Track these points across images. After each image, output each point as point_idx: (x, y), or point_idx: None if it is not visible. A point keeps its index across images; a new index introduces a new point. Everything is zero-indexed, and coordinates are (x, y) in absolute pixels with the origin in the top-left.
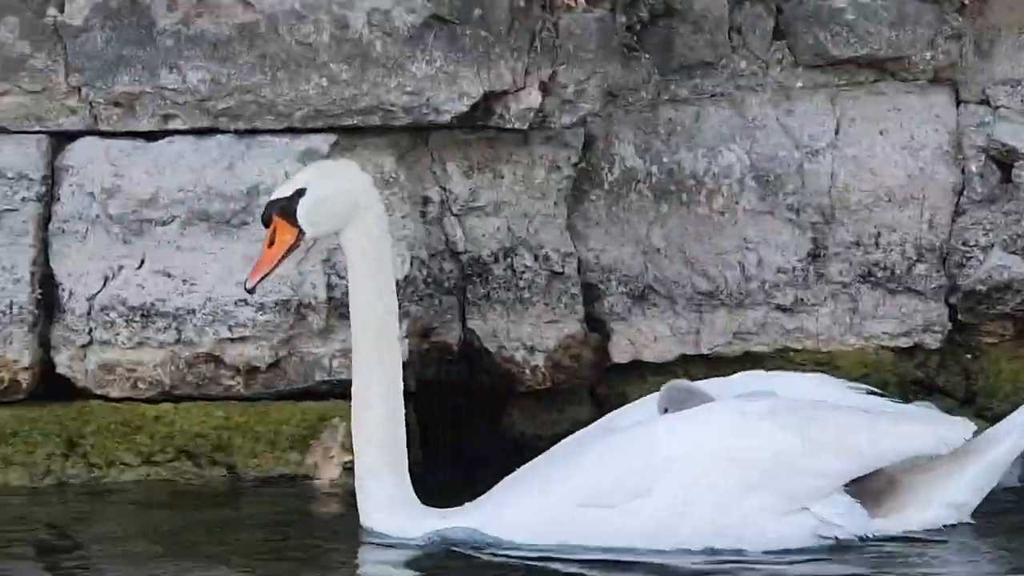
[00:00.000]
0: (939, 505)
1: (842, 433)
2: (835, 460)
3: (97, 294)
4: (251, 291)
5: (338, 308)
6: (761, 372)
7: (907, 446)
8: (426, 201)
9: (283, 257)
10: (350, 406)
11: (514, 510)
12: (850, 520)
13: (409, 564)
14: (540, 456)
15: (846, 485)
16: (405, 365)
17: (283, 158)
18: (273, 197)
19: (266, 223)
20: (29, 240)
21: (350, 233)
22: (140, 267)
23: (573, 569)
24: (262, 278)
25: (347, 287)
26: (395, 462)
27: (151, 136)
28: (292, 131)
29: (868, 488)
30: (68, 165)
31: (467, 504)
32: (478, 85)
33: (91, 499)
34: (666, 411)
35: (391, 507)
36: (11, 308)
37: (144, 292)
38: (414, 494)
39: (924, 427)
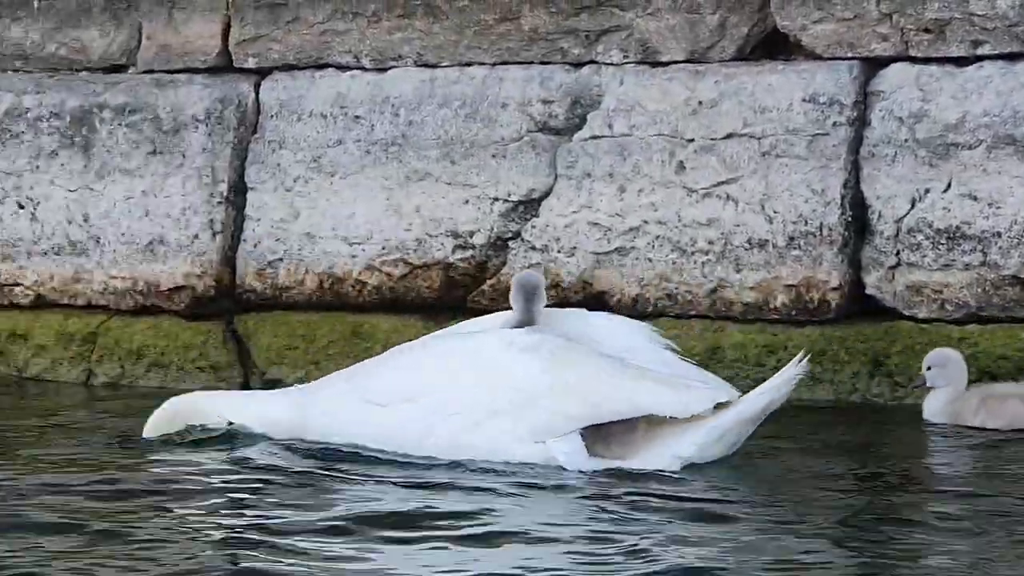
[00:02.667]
0: (667, 456)
1: (590, 381)
2: (575, 405)
3: (904, 216)
4: None
5: None
6: (582, 311)
7: (645, 404)
8: None
9: None
10: None
11: (317, 397)
12: (570, 460)
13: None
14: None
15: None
16: None
17: None
18: None
19: None
20: (840, 164)
21: None
22: (946, 190)
23: (351, 460)
24: None
25: None
26: None
27: (959, 61)
28: None
29: (612, 428)
30: (879, 90)
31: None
32: None
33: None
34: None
35: None
36: (821, 230)
37: (950, 215)
38: None
39: (669, 390)
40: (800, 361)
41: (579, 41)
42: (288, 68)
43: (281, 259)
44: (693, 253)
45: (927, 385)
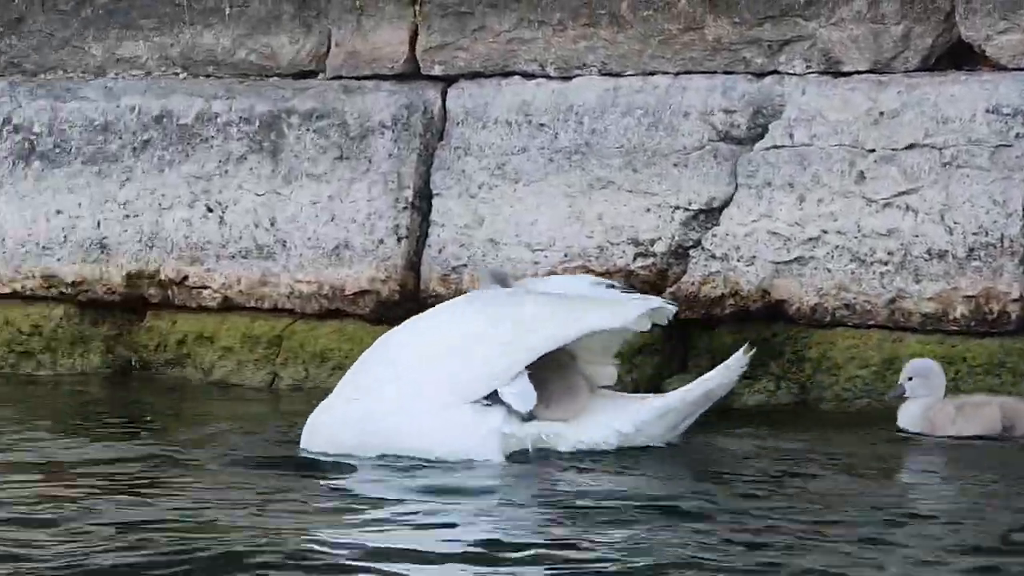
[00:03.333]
0: (607, 428)
1: (535, 315)
2: (526, 336)
3: None
4: None
5: None
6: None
7: (585, 323)
8: None
9: None
10: None
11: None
12: (522, 400)
13: None
14: None
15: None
16: None
17: None
18: None
19: None
20: (1022, 175)
21: None
22: None
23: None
24: None
25: None
26: None
27: None
28: None
29: (554, 393)
30: None
31: None
32: None
33: None
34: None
35: None
36: (1002, 241)
37: None
38: None
39: (602, 306)
40: (745, 353)
41: (762, 51)
42: (474, 76)
43: (465, 265)
44: (872, 263)
45: (906, 395)
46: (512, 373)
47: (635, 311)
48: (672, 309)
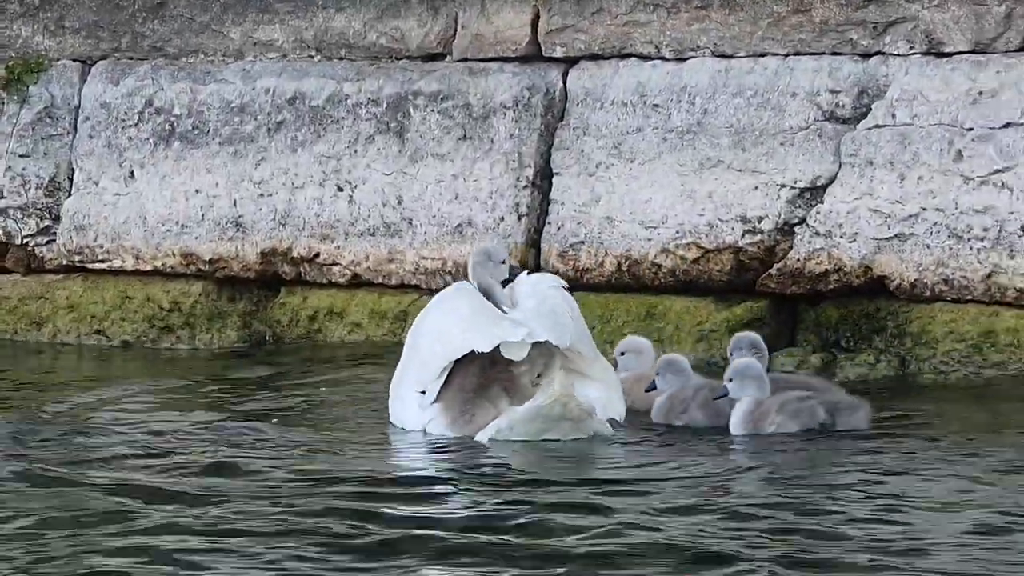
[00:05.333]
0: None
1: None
2: (438, 347)
3: None
4: None
5: None
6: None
7: (466, 344)
8: None
9: None
10: None
11: None
12: (425, 399)
13: None
14: None
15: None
16: None
17: None
18: None
19: None
20: None
21: None
22: None
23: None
24: None
25: None
26: None
27: None
28: None
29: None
30: None
31: None
32: None
33: None
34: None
35: None
36: None
37: None
38: None
39: (485, 328)
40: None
41: (867, 32)
42: (593, 57)
43: (583, 242)
44: (968, 239)
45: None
46: (433, 376)
47: (491, 341)
48: (532, 337)
